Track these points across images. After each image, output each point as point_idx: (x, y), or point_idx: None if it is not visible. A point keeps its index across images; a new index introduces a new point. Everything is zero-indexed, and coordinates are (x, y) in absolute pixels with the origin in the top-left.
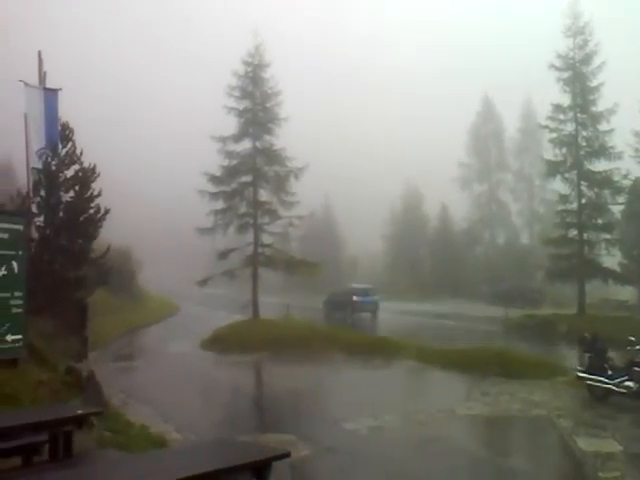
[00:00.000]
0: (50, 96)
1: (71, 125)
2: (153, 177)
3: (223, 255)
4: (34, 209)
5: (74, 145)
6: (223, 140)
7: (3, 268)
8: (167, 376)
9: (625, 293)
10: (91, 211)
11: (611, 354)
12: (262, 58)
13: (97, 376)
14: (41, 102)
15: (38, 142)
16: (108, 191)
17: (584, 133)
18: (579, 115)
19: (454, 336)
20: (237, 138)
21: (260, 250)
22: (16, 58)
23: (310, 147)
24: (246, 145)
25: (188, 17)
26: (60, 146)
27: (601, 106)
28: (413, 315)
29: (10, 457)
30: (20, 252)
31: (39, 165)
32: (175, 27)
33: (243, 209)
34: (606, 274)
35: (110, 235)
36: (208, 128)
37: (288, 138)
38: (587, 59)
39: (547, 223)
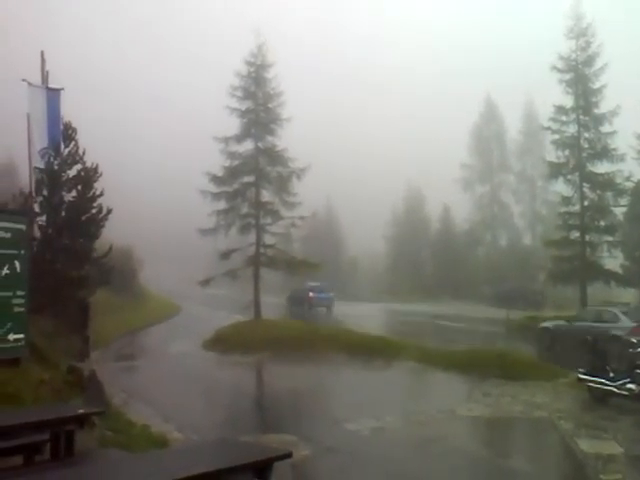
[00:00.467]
0: (53, 96)
1: (73, 125)
2: (155, 177)
3: (225, 255)
4: (36, 208)
5: (77, 145)
6: (225, 140)
7: (5, 267)
8: (168, 376)
9: (627, 295)
10: (93, 211)
11: (612, 356)
12: (265, 58)
13: (99, 375)
14: (44, 102)
15: (40, 142)
16: (110, 191)
17: (586, 135)
18: (581, 117)
19: (455, 337)
20: (239, 138)
21: (262, 250)
22: (17, 58)
23: (312, 148)
24: (248, 146)
25: (189, 18)
26: (63, 146)
27: (603, 108)
28: (414, 316)
29: (12, 456)
30: (22, 251)
31: (41, 165)
32: (175, 27)
33: (245, 209)
34: (608, 276)
35: (112, 235)
36: (210, 128)
37: (290, 139)
38: (589, 61)
39: (549, 225)
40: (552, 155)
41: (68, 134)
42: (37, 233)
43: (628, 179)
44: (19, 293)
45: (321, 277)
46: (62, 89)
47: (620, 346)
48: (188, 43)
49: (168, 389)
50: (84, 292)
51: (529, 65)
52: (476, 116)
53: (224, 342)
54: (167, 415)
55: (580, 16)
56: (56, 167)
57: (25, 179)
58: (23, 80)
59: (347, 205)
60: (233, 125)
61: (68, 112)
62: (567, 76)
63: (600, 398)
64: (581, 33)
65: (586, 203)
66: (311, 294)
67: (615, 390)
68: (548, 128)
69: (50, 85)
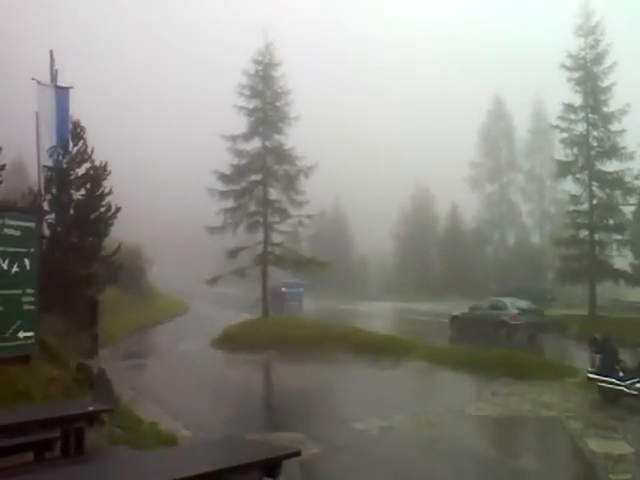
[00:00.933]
0: (61, 94)
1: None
2: (163, 176)
3: (233, 254)
4: (45, 207)
5: (85, 143)
6: (233, 139)
7: (15, 265)
8: (177, 374)
9: (636, 294)
10: (102, 209)
11: (622, 355)
12: (272, 57)
13: (107, 373)
14: (52, 100)
15: (49, 140)
16: (118, 189)
17: (595, 133)
18: (590, 115)
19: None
20: (247, 137)
21: (270, 249)
22: (22, 56)
23: (320, 146)
24: (256, 144)
25: (196, 18)
26: (71, 144)
27: (612, 106)
28: (422, 315)
29: (23, 453)
30: (32, 249)
31: (50, 163)
32: (181, 27)
33: (253, 208)
34: (617, 275)
35: (120, 233)
36: (218, 127)
37: (297, 137)
38: (598, 59)
39: (558, 224)
40: (561, 154)
41: (77, 132)
42: (46, 231)
43: (637, 177)
44: (29, 291)
45: (329, 276)
46: (71, 87)
47: (506, 327)
48: (191, 43)
49: (176, 387)
50: (93, 290)
51: (538, 63)
52: (484, 115)
53: (232, 340)
54: (175, 413)
55: (589, 14)
56: (65, 165)
57: (34, 177)
58: (32, 79)
59: (355, 204)
60: (241, 123)
61: (77, 110)
62: (576, 74)
63: (610, 398)
64: (590, 31)
65: (595, 202)
66: (283, 289)
67: (625, 389)
68: (557, 126)
69: (59, 83)
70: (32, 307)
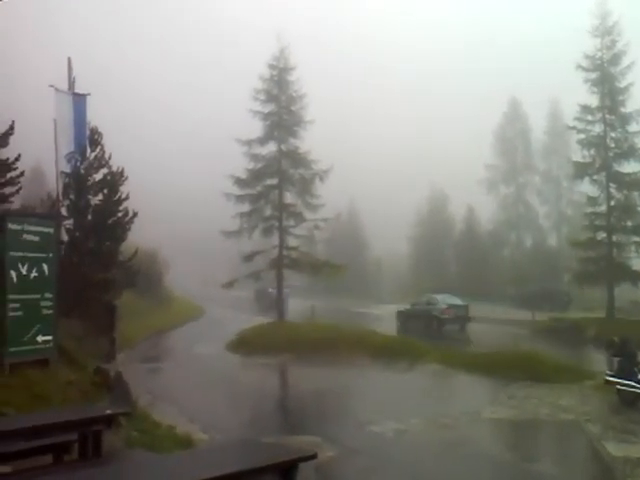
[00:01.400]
0: (79, 101)
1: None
2: (179, 181)
3: (248, 258)
4: (64, 212)
5: (103, 149)
6: (249, 143)
7: (34, 270)
8: (193, 377)
9: None
10: (119, 214)
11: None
12: (287, 61)
13: (125, 377)
14: (70, 107)
15: (67, 146)
16: (135, 194)
17: (612, 134)
18: (607, 116)
19: (480, 339)
20: (262, 141)
21: (285, 253)
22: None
23: (334, 149)
24: (271, 148)
25: (210, 24)
26: (89, 150)
27: (630, 107)
28: None
29: (42, 455)
30: (50, 254)
31: (68, 169)
32: (197, 33)
33: (268, 212)
34: (636, 277)
35: (137, 237)
36: (234, 131)
37: (312, 140)
38: (615, 59)
39: (575, 225)
40: (578, 155)
41: (94, 139)
42: (64, 236)
43: None
44: (47, 295)
45: (345, 279)
46: (88, 94)
47: (437, 320)
48: (206, 48)
49: (193, 390)
50: (110, 295)
51: (554, 64)
52: (500, 116)
53: (248, 344)
54: (192, 416)
55: (606, 14)
56: (82, 171)
57: (52, 183)
58: (50, 86)
59: (370, 206)
60: (256, 128)
61: (94, 117)
62: (593, 75)
63: (629, 401)
64: (607, 31)
65: (613, 203)
66: (270, 290)
67: None
68: (573, 127)
69: (76, 90)
70: (51, 311)
